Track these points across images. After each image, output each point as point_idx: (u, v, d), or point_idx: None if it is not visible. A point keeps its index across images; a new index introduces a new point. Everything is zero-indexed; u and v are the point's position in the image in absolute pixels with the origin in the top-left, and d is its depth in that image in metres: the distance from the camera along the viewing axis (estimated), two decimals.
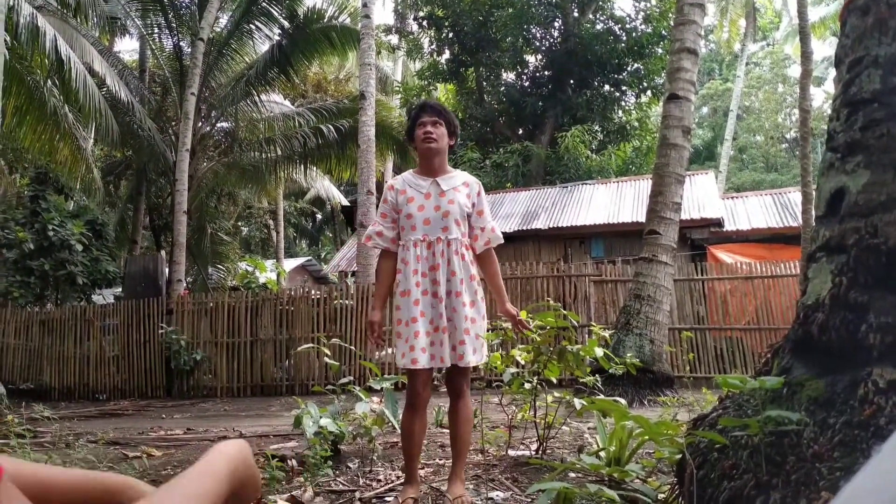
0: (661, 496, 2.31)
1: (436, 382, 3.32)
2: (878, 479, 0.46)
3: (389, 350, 10.53)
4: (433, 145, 3.03)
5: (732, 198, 16.72)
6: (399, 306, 2.99)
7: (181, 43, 15.35)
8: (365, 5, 12.57)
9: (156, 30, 15.53)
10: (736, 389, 1.88)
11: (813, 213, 8.84)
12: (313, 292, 11.54)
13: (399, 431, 4.47)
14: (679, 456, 1.96)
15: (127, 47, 39.77)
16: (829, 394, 1.68)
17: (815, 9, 25.65)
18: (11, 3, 9.48)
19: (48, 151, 12.90)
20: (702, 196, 14.59)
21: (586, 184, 17.38)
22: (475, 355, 2.92)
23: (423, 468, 3.60)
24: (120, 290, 14.97)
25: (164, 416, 8.36)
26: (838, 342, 1.74)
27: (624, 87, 22.19)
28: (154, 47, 15.97)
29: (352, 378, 4.16)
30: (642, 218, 8.59)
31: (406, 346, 2.91)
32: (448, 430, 3.27)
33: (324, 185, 25.13)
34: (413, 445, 2.95)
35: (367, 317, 10.74)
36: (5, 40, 8.55)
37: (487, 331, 4.20)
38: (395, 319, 3.05)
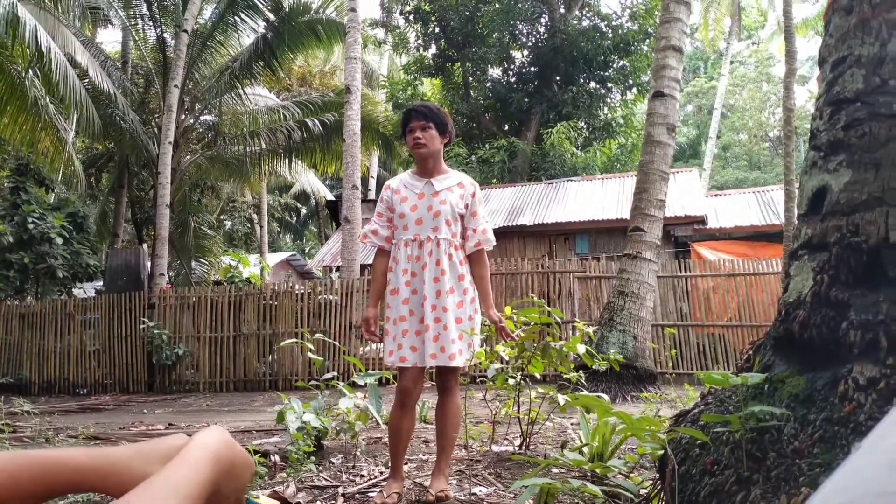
0: (643, 491, 2.32)
1: (431, 383, 3.33)
2: (854, 476, 0.46)
3: (374, 346, 10.52)
4: (423, 150, 3.07)
5: (716, 195, 16.86)
6: (389, 304, 3.04)
7: (165, 34, 15.20)
8: None
9: (139, 21, 15.39)
10: (718, 386, 1.89)
11: (795, 211, 8.91)
12: (297, 287, 11.50)
13: (382, 427, 4.48)
14: (661, 452, 1.97)
15: (109, 38, 39.30)
16: (810, 390, 1.70)
17: (799, 8, 25.86)
18: None
19: (29, 142, 12.76)
20: (686, 193, 14.67)
21: (571, 180, 17.42)
22: (462, 356, 2.94)
23: (407, 463, 3.59)
24: (101, 283, 14.84)
25: (145, 410, 8.30)
26: (819, 339, 1.75)
27: (609, 84, 22.25)
28: (137, 38, 15.83)
29: (335, 373, 4.15)
30: (627, 215, 8.63)
31: (394, 344, 2.95)
32: (433, 426, 3.31)
33: (308, 180, 25.02)
34: (400, 442, 2.96)
35: (351, 312, 10.75)
36: None
37: None
38: (385, 317, 3.09)
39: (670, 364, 9.54)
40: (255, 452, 3.25)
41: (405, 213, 3.06)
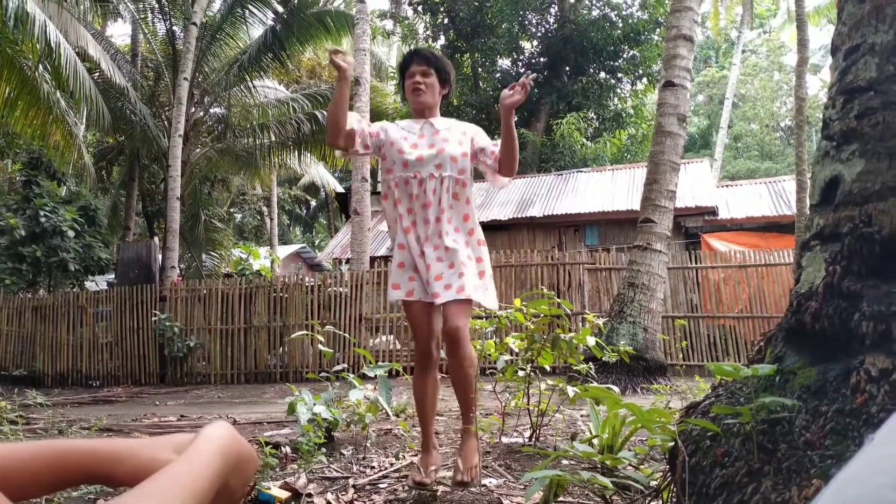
0: (653, 483, 2.32)
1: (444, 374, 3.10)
2: (868, 468, 0.46)
3: (384, 338, 10.55)
4: (422, 97, 2.90)
5: (727, 186, 16.77)
6: (397, 239, 2.90)
7: (174, 27, 15.24)
8: None
9: (148, 13, 15.44)
10: (728, 377, 1.88)
11: (807, 201, 8.85)
12: (307, 279, 11.54)
13: (392, 418, 4.49)
14: (671, 443, 1.96)
15: (119, 31, 39.40)
16: (822, 382, 1.69)
17: None
18: None
19: (40, 136, 12.83)
20: (696, 184, 14.61)
21: (581, 171, 17.38)
22: (477, 292, 2.74)
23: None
24: (113, 276, 14.93)
25: (157, 402, 8.36)
26: (831, 331, 1.74)
27: (620, 75, 22.16)
28: (147, 31, 15.87)
29: (346, 365, 4.16)
30: (637, 206, 8.60)
31: (400, 292, 2.83)
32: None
33: (318, 172, 25.03)
34: (426, 407, 2.84)
35: (361, 304, 10.76)
36: None
37: (481, 318, 4.20)
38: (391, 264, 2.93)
39: (680, 356, 9.52)
40: (267, 444, 3.27)
41: (404, 149, 2.86)
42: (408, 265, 2.84)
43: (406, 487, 2.86)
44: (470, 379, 2.77)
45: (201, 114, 15.62)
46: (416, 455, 3.57)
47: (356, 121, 2.93)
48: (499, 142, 2.91)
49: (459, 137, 2.91)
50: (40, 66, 11.79)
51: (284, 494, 2.76)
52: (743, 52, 31.94)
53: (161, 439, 0.90)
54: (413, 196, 2.83)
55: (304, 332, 6.05)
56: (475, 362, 2.86)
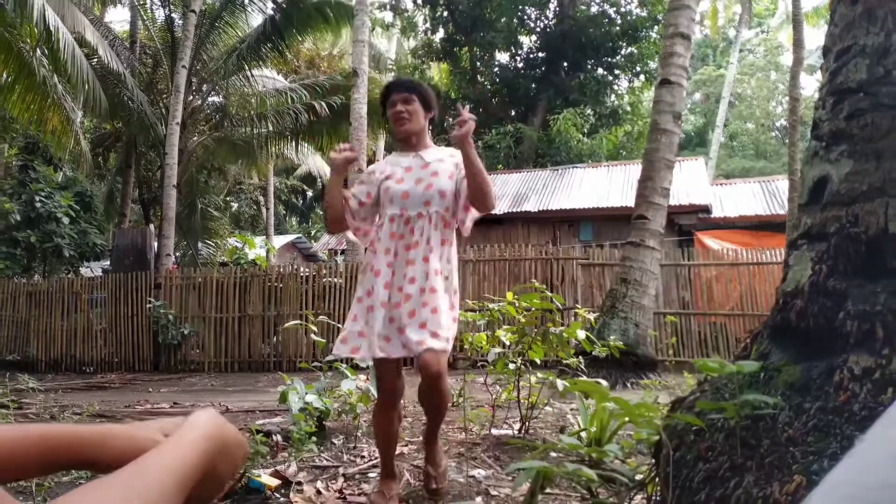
0: (638, 476, 2.34)
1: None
2: (857, 469, 0.47)
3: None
4: (406, 126, 2.78)
5: (721, 184, 16.81)
6: (362, 283, 2.74)
7: (173, 14, 15.18)
8: None
9: (147, 0, 15.34)
10: (714, 373, 1.90)
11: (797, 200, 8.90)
12: (302, 269, 11.54)
13: None
14: (656, 437, 1.99)
15: (118, 17, 39.19)
16: (806, 379, 1.71)
17: None
18: None
19: (37, 121, 12.79)
20: (691, 182, 14.63)
21: (577, 167, 17.40)
22: (435, 340, 2.51)
23: (406, 445, 3.63)
24: (108, 263, 14.90)
25: (150, 389, 8.36)
26: (816, 329, 1.76)
27: (617, 71, 22.16)
28: (145, 18, 15.80)
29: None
30: (631, 202, 8.62)
31: (356, 330, 2.66)
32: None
33: (315, 162, 25.01)
34: (390, 446, 2.74)
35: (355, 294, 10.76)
36: None
37: (474, 311, 4.23)
38: (355, 298, 2.76)
39: (671, 352, 9.56)
40: (258, 432, 3.29)
41: (390, 187, 2.73)
42: (370, 310, 2.66)
43: None
44: (442, 412, 2.71)
45: (199, 102, 15.57)
46: (406, 446, 3.60)
47: (352, 202, 2.82)
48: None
49: (451, 170, 2.77)
50: (38, 50, 11.74)
51: (274, 482, 2.78)
52: (740, 51, 31.94)
53: (148, 423, 0.91)
54: (394, 234, 2.69)
55: (298, 321, 6.05)
56: (449, 397, 2.82)
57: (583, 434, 3.02)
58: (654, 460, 2.09)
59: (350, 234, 2.91)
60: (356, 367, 4.01)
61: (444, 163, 2.80)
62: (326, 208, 2.81)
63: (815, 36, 32.76)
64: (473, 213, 2.75)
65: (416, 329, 2.52)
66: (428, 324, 2.52)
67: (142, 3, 15.48)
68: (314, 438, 3.42)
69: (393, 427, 2.73)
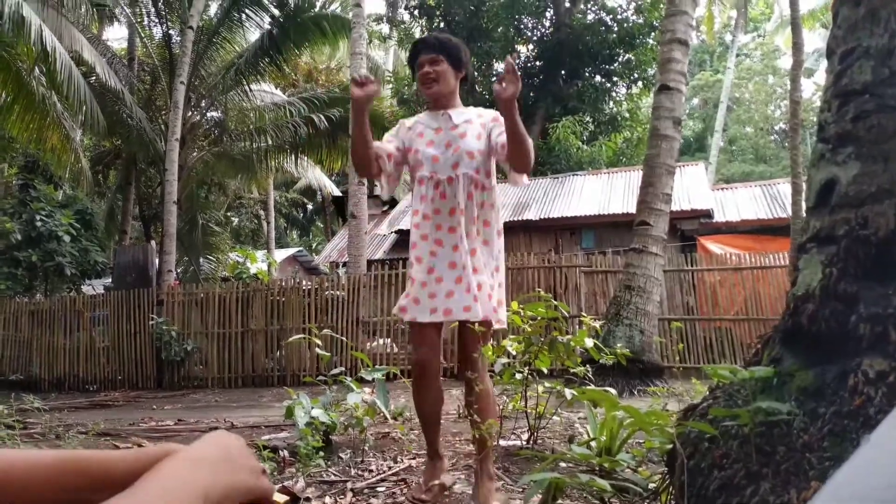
0: (651, 486, 2.32)
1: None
2: (864, 469, 0.46)
3: (381, 341, 10.54)
4: (434, 88, 2.70)
5: (722, 189, 16.81)
6: (416, 245, 2.67)
7: (170, 31, 15.25)
8: None
9: (145, 17, 15.45)
10: (726, 380, 1.89)
11: (802, 204, 8.86)
12: (304, 283, 11.52)
13: (391, 422, 4.49)
14: (670, 446, 1.97)
15: (115, 35, 39.42)
16: (819, 384, 1.69)
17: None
18: None
19: (36, 140, 12.81)
20: (692, 187, 14.64)
21: (577, 175, 17.40)
22: (484, 308, 2.55)
23: (413, 458, 3.60)
24: (109, 280, 14.90)
25: (154, 406, 8.34)
26: (828, 333, 1.75)
27: (615, 78, 22.19)
28: (143, 35, 15.86)
29: (343, 369, 4.16)
30: (633, 209, 8.61)
31: (408, 300, 2.64)
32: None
33: (315, 175, 25.00)
34: (426, 417, 2.69)
35: (358, 308, 10.75)
36: None
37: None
38: (412, 260, 2.69)
39: (677, 358, 9.52)
40: (264, 447, 3.27)
41: (420, 148, 2.69)
42: (418, 281, 2.64)
43: (403, 491, 2.86)
44: (486, 415, 2.64)
45: (198, 117, 15.61)
46: (414, 458, 3.57)
47: (386, 145, 2.77)
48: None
49: (478, 131, 2.71)
50: (36, 69, 11.77)
51: (283, 498, 2.75)
52: (737, 55, 32.09)
53: (162, 444, 0.89)
54: (430, 198, 2.65)
55: (302, 335, 6.04)
56: (491, 396, 2.75)
57: (592, 443, 3.00)
58: (667, 469, 2.07)
59: (382, 180, 2.81)
60: (361, 381, 3.99)
61: (471, 123, 2.73)
62: (352, 152, 2.70)
63: (812, 39, 32.91)
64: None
65: (464, 295, 2.54)
66: (473, 290, 2.54)
67: (139, 20, 15.55)
68: (321, 453, 3.40)
69: (425, 398, 2.69)
